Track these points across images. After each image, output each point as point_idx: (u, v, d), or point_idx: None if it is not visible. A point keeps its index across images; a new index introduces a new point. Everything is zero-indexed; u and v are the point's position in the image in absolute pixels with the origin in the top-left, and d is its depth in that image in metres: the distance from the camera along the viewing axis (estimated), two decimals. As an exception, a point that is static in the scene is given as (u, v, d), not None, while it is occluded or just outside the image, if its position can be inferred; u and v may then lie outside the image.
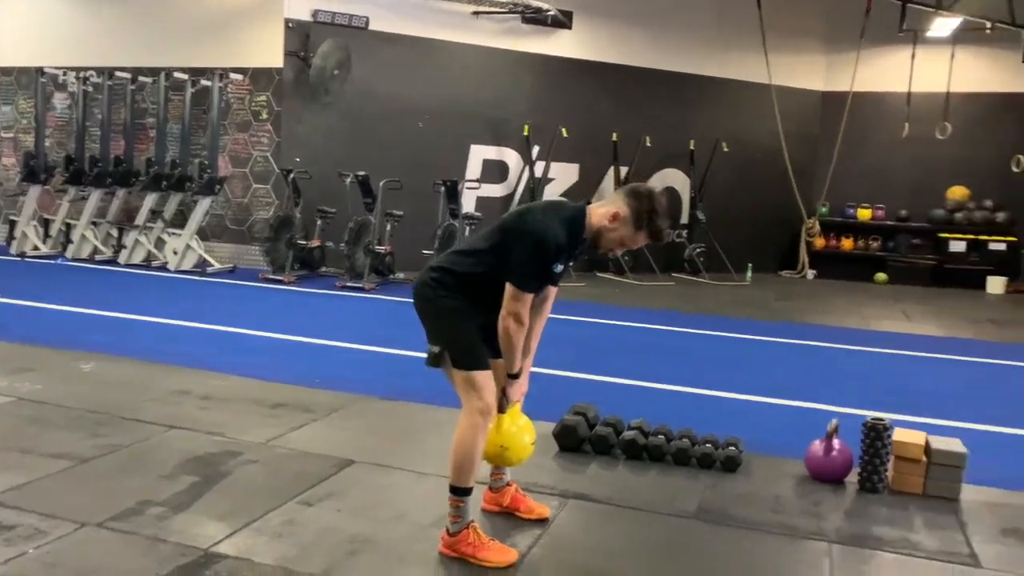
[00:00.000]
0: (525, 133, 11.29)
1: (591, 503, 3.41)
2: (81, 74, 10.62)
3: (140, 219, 10.22)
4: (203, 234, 10.44)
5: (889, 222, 13.34)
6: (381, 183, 9.56)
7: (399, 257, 9.84)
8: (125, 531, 2.94)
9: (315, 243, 9.79)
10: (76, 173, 10.41)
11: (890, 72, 12.62)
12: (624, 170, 11.94)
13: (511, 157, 11.69)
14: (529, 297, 2.81)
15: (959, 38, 11.71)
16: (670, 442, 3.93)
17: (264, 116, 10.46)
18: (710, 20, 12.64)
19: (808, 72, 13.51)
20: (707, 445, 3.90)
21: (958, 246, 12.78)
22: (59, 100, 11.41)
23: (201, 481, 3.44)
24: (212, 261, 10.16)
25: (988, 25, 11.09)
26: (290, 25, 10.13)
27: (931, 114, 11.98)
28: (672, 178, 12.80)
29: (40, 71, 10.72)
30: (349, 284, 9.28)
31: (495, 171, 11.58)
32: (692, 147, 12.33)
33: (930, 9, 11.33)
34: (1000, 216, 12.72)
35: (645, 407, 4.80)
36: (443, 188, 9.36)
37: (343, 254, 9.37)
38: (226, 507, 3.18)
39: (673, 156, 12.53)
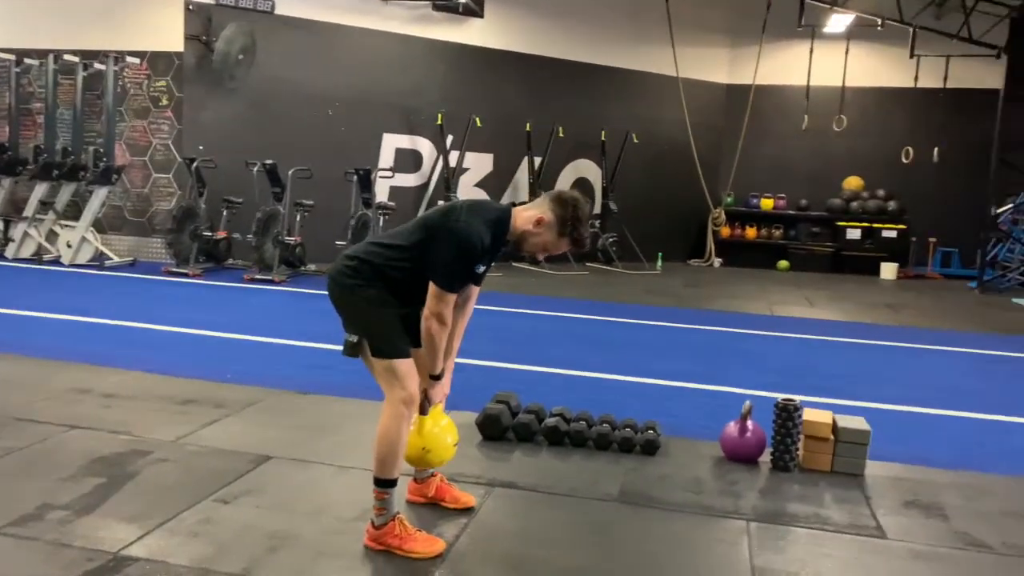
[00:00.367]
0: (439, 122, 11.20)
1: (516, 490, 3.40)
2: (-42, 55, 9.98)
3: (29, 210, 9.67)
4: (100, 226, 9.97)
5: (790, 211, 13.87)
6: (290, 172, 9.32)
7: (310, 248, 9.62)
8: (25, 537, 2.77)
9: (221, 235, 9.48)
10: (-48, 161, 9.79)
11: (790, 66, 13.09)
12: (538, 161, 11.99)
13: (424, 146, 11.58)
14: (452, 298, 2.78)
15: (853, 34, 12.23)
16: (591, 428, 3.97)
17: (164, 102, 10.04)
18: (620, 12, 12.82)
19: (713, 65, 13.88)
20: (627, 429, 3.95)
21: (854, 234, 13.40)
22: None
23: (107, 482, 3.27)
24: (110, 254, 9.71)
25: (879, 22, 11.63)
26: (190, 7, 9.75)
27: (828, 107, 12.49)
28: (584, 169, 12.95)
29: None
30: (258, 277, 9.02)
31: (408, 160, 11.45)
32: (604, 138, 12.49)
33: (826, 5, 11.80)
34: (892, 205, 13.38)
35: (564, 394, 4.85)
36: (356, 177, 9.19)
37: (251, 246, 9.10)
38: (136, 508, 3.03)
39: (585, 147, 12.67)
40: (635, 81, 13.04)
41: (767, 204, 13.93)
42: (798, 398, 3.84)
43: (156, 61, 9.99)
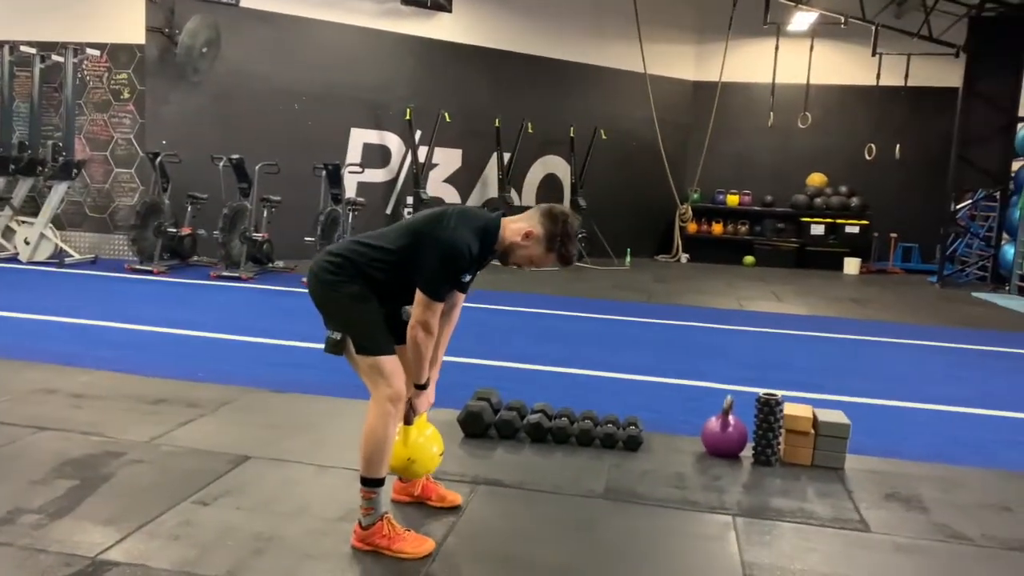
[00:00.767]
0: (407, 117, 11.11)
1: (501, 488, 3.37)
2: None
3: (-17, 206, 9.41)
4: (59, 222, 9.72)
5: (756, 207, 14.02)
6: (257, 167, 9.17)
7: (277, 245, 9.49)
8: (-3, 544, 2.68)
9: (186, 231, 9.29)
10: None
11: (756, 63, 13.22)
12: (507, 156, 11.96)
13: (393, 141, 11.49)
14: (440, 306, 2.75)
15: (817, 32, 12.38)
16: (573, 424, 3.95)
17: (125, 96, 9.82)
18: (588, 9, 12.85)
19: (680, 62, 13.98)
20: (608, 425, 3.95)
21: (818, 230, 13.59)
22: None
23: (80, 485, 3.17)
24: (70, 251, 9.48)
25: (842, 20, 11.79)
26: (153, -1, 9.54)
27: (793, 104, 12.63)
28: (553, 165, 12.96)
29: None
30: (225, 274, 8.87)
31: (377, 155, 11.35)
32: (572, 134, 12.50)
33: (790, 3, 11.94)
34: (854, 201, 13.59)
35: (541, 390, 4.85)
36: (324, 172, 9.06)
37: (217, 242, 8.92)
38: (112, 511, 2.95)
39: (554, 143, 12.67)
40: (603, 77, 13.08)
41: (733, 200, 14.07)
42: (778, 393, 3.86)
43: (117, 53, 9.75)
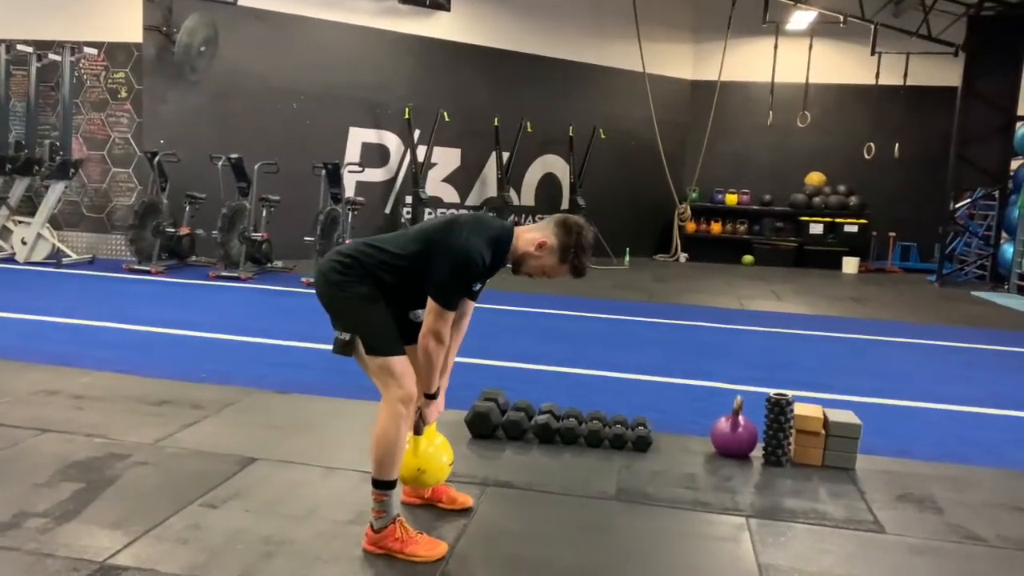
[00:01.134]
0: (406, 116, 11.06)
1: (512, 490, 3.33)
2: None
3: (-20, 206, 9.34)
4: (56, 222, 9.66)
5: (754, 206, 14.01)
6: (256, 166, 9.12)
7: (276, 245, 9.44)
8: (3, 547, 2.63)
9: (184, 231, 9.24)
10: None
11: (755, 63, 13.19)
12: (506, 156, 11.92)
13: (391, 141, 11.45)
14: (451, 315, 2.71)
15: (816, 31, 12.37)
16: (582, 425, 3.92)
17: (123, 95, 9.75)
18: (586, 8, 12.82)
19: (678, 61, 13.96)
20: (617, 426, 3.91)
21: (817, 229, 13.58)
22: None
23: (86, 488, 3.13)
24: (68, 251, 9.42)
25: (841, 19, 11.78)
26: (150, -3, 9.48)
27: (792, 103, 12.61)
28: (552, 164, 12.94)
29: None
30: (224, 274, 8.81)
31: (375, 155, 11.31)
32: (571, 133, 12.47)
33: (789, 2, 11.93)
34: (853, 200, 13.59)
35: (545, 390, 4.83)
36: (324, 172, 9.01)
37: (216, 242, 8.86)
38: (119, 514, 2.90)
39: (553, 142, 12.65)
40: (602, 77, 13.05)
41: (731, 200, 14.05)
42: (789, 393, 3.84)
43: (114, 52, 9.69)
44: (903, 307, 9.58)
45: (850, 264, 13.17)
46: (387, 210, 11.58)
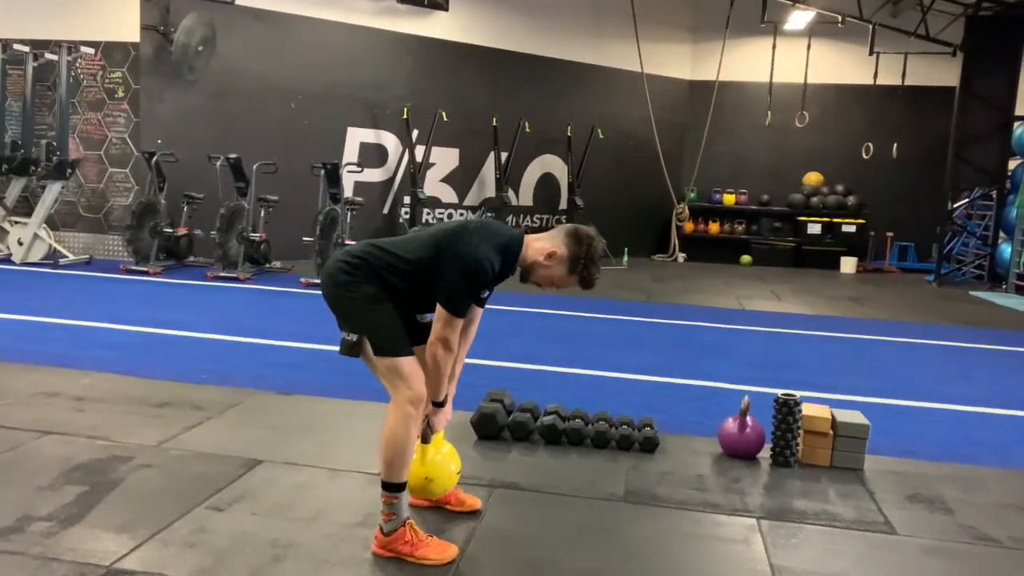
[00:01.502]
0: (405, 116, 11.03)
1: (520, 492, 3.31)
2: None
3: (-24, 206, 9.28)
4: (52, 223, 9.60)
5: (752, 207, 14.01)
6: (254, 166, 9.07)
7: (275, 245, 9.41)
8: (8, 551, 2.59)
9: (182, 231, 9.19)
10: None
11: (753, 63, 13.18)
12: (504, 156, 11.90)
13: (390, 141, 11.41)
14: (460, 323, 2.70)
15: (814, 31, 12.36)
16: (588, 425, 3.90)
17: (120, 94, 9.70)
18: (585, 8, 12.80)
19: (677, 61, 13.95)
20: (624, 427, 3.89)
21: (815, 229, 13.58)
22: None
23: (89, 491, 3.09)
24: (65, 252, 9.36)
25: (840, 19, 11.78)
26: (148, -4, 9.43)
27: (790, 103, 12.60)
28: (551, 164, 12.92)
29: None
30: (222, 274, 8.77)
31: (374, 155, 11.27)
32: (570, 133, 12.44)
33: (787, 2, 11.92)
34: (851, 200, 13.60)
35: (547, 390, 4.80)
36: (323, 172, 8.97)
37: (214, 242, 8.82)
38: (125, 518, 2.87)
39: (551, 142, 12.63)
40: (600, 77, 13.03)
41: (729, 199, 14.05)
42: (797, 393, 3.81)
43: (111, 51, 9.64)
44: (902, 307, 9.58)
45: (848, 264, 13.17)
46: (385, 210, 11.55)
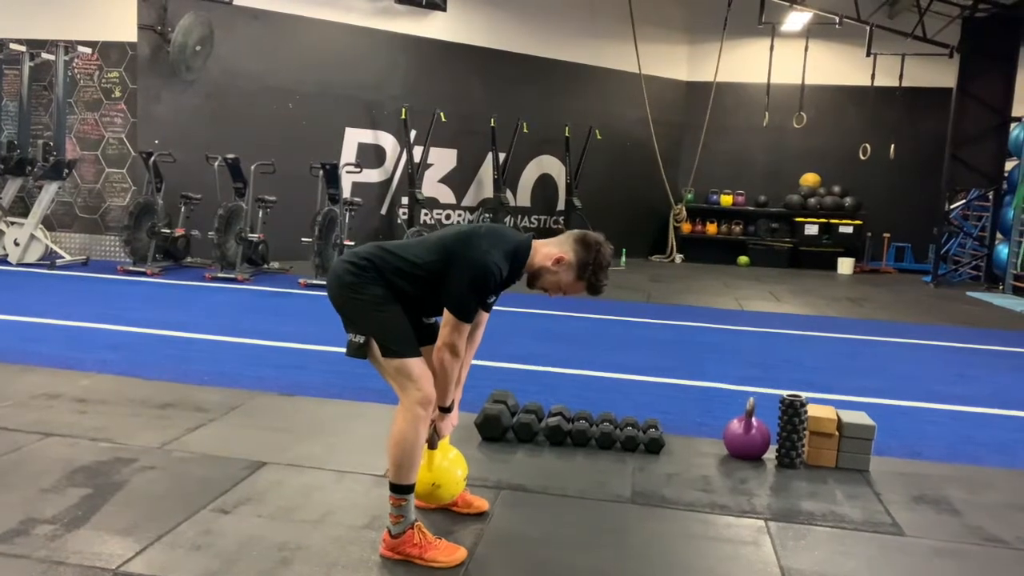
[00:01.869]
0: (403, 117, 11.01)
1: (526, 493, 3.29)
2: None
3: (-27, 207, 9.22)
4: (49, 223, 9.55)
5: (750, 207, 14.02)
6: (252, 167, 9.04)
7: (273, 245, 9.38)
8: (13, 555, 2.57)
9: (180, 232, 9.15)
10: None
11: (751, 64, 13.20)
12: (502, 156, 11.89)
13: (388, 141, 11.39)
14: (467, 328, 2.69)
15: (812, 32, 12.37)
16: (593, 427, 3.88)
17: (117, 94, 9.66)
18: (582, 9, 12.79)
19: (674, 62, 13.95)
20: (629, 428, 3.88)
21: (812, 229, 13.59)
22: None
23: (94, 493, 3.07)
24: (61, 253, 9.31)
25: (837, 20, 11.79)
26: (145, -4, 9.39)
27: (788, 104, 12.62)
28: (548, 165, 12.91)
29: None
30: (220, 275, 8.73)
31: (371, 155, 11.25)
32: (567, 134, 12.43)
33: (785, 3, 11.93)
34: (848, 201, 13.62)
35: (547, 390, 4.79)
36: (322, 172, 8.94)
37: (212, 243, 8.79)
38: (130, 520, 2.85)
39: (549, 143, 12.61)
40: (598, 77, 13.03)
41: (727, 200, 14.06)
42: (803, 394, 3.81)
43: (108, 51, 9.60)
44: (900, 308, 9.59)
45: (845, 265, 13.19)
46: (383, 211, 11.52)
